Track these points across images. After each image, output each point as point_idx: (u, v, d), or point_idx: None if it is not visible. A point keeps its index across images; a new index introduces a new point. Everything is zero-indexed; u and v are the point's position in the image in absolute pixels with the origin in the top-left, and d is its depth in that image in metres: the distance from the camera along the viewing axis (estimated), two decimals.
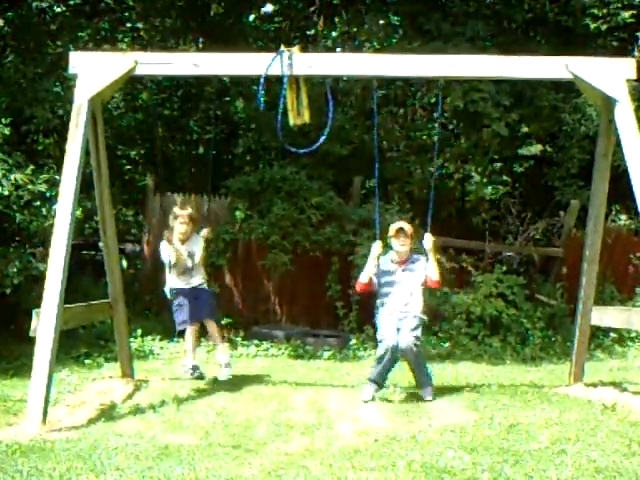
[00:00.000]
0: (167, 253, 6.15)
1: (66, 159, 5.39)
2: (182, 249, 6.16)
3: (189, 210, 6.22)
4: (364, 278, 6.05)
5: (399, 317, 5.85)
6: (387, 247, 6.03)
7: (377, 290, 6.00)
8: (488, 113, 9.42)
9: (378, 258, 5.92)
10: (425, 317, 5.99)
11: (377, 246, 5.87)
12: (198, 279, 6.26)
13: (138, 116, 12.14)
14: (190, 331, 6.21)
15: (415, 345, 5.71)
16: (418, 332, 5.81)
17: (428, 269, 5.89)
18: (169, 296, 6.27)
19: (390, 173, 10.51)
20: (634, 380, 6.80)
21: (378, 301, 6.01)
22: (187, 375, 6.23)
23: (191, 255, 6.17)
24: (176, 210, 6.25)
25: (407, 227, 5.97)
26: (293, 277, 9.67)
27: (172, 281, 6.24)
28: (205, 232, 6.24)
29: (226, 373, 6.24)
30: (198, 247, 6.19)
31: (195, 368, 6.25)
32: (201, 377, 6.30)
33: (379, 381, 5.85)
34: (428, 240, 5.88)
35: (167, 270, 6.23)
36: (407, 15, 10.69)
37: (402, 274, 5.95)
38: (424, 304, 6.01)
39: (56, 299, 5.01)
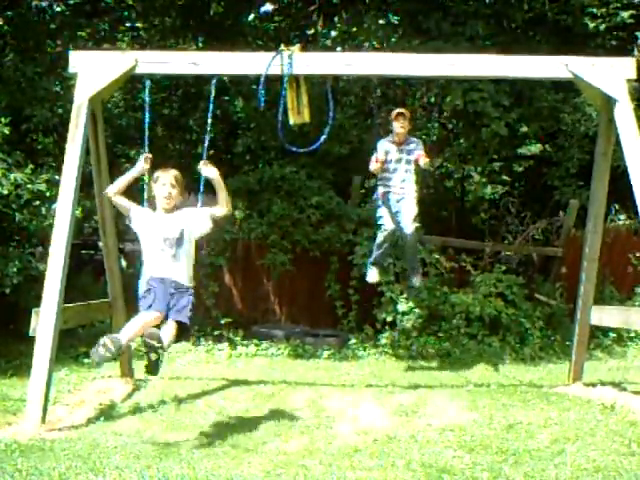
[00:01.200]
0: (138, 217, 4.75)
1: (66, 158, 5.39)
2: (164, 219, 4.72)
3: (174, 171, 4.81)
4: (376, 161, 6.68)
5: (397, 198, 6.75)
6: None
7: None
8: (488, 113, 9.42)
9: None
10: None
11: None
12: (183, 274, 4.64)
13: (138, 115, 12.13)
14: (148, 316, 4.42)
15: (416, 231, 6.77)
16: (416, 220, 6.71)
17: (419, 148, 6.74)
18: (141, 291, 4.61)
19: None
20: (633, 380, 6.81)
21: (379, 182, 6.90)
22: (99, 350, 4.16)
23: (178, 233, 4.67)
24: (157, 172, 4.79)
25: (406, 112, 6.82)
26: (292, 276, 9.67)
27: (147, 271, 4.66)
28: (204, 166, 4.96)
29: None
30: (192, 222, 4.76)
31: (117, 344, 4.19)
32: (113, 355, 4.24)
33: (381, 262, 7.21)
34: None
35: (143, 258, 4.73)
36: (407, 14, 10.67)
37: (400, 154, 6.78)
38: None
39: (55, 298, 5.01)
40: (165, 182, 4.74)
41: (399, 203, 6.76)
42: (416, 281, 7.04)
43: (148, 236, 4.73)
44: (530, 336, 8.94)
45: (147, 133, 5.46)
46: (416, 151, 6.74)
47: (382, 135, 7.23)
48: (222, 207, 4.88)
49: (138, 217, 4.80)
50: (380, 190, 6.90)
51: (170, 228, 4.71)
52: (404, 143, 6.80)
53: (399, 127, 6.73)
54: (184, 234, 4.75)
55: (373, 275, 7.12)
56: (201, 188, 5.15)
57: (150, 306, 4.49)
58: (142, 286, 4.63)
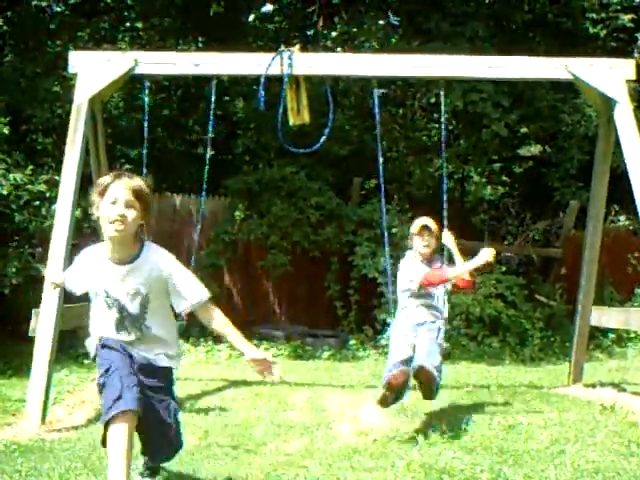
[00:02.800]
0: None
1: (65, 159, 5.39)
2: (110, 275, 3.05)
3: (136, 181, 3.03)
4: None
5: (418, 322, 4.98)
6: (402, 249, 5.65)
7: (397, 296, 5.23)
8: (487, 113, 9.43)
9: None
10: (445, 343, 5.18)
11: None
12: (156, 349, 3.12)
13: (138, 116, 12.14)
14: (123, 429, 2.82)
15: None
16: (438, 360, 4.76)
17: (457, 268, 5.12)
18: (96, 351, 3.12)
19: (389, 174, 10.49)
20: (633, 380, 6.81)
21: (399, 309, 5.16)
22: None
23: (138, 296, 3.06)
24: (103, 178, 3.07)
25: (432, 224, 5.13)
26: (292, 277, 9.67)
27: (97, 330, 3.17)
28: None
29: None
30: (164, 276, 3.06)
31: None
32: None
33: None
34: (448, 237, 5.23)
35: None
36: (406, 15, 10.69)
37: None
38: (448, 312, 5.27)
39: (55, 299, 5.01)
40: (118, 196, 2.96)
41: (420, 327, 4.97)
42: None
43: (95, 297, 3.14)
44: (530, 337, 8.95)
45: (147, 134, 5.45)
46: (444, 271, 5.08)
47: (381, 136, 5.98)
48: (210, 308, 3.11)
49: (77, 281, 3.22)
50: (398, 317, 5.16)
51: (125, 287, 3.05)
52: (430, 263, 5.12)
53: (423, 246, 5.05)
54: (149, 297, 3.07)
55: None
56: (203, 192, 5.04)
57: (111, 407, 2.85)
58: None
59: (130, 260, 3.04)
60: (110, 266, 3.05)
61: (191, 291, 3.06)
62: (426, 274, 4.97)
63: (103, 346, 3.06)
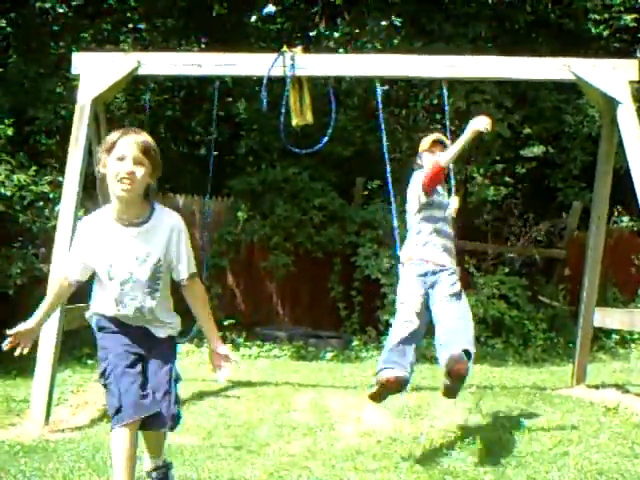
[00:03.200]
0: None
1: (69, 160, 5.40)
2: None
3: (144, 137, 2.92)
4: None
5: (432, 269, 4.39)
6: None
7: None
8: (490, 114, 9.42)
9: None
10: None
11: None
12: (162, 327, 3.04)
13: (141, 117, 12.16)
14: (126, 435, 2.83)
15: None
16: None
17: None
18: (95, 327, 3.10)
19: (392, 174, 10.50)
20: (637, 382, 6.79)
21: (409, 240, 4.59)
22: None
23: (148, 262, 2.92)
24: (111, 135, 2.93)
25: (444, 139, 4.70)
26: (295, 278, 9.67)
27: (98, 305, 3.07)
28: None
29: None
30: (172, 244, 2.94)
31: None
32: None
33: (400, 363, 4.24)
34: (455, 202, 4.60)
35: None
36: (409, 16, 10.68)
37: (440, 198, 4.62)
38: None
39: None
40: (126, 152, 2.84)
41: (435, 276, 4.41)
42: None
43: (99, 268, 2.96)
44: (533, 338, 8.94)
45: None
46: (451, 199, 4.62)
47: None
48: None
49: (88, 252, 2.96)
50: (407, 254, 4.56)
51: (134, 252, 2.91)
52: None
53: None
54: (161, 264, 2.94)
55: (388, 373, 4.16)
56: (208, 196, 5.02)
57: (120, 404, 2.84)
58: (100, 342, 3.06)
59: (141, 222, 2.90)
60: (118, 228, 2.90)
61: (190, 260, 2.99)
62: (425, 174, 4.44)
63: (100, 328, 3.02)
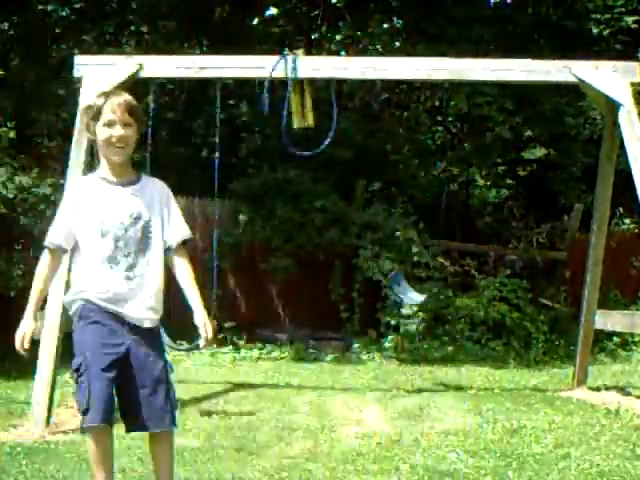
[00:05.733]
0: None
1: (70, 162, 5.41)
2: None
3: (126, 97, 2.97)
4: None
5: None
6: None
7: None
8: (492, 116, 9.44)
9: None
10: None
11: None
12: (145, 307, 2.91)
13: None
14: (98, 439, 2.80)
15: None
16: None
17: None
18: (75, 315, 2.92)
19: (393, 177, 10.53)
20: (638, 384, 6.79)
21: None
22: None
23: (140, 221, 2.92)
24: (96, 98, 2.96)
25: None
26: (296, 280, 9.67)
27: (82, 282, 2.91)
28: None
29: None
30: (162, 205, 2.99)
31: None
32: None
33: None
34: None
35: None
36: (411, 19, 10.71)
37: None
38: None
39: (59, 301, 5.01)
40: (113, 117, 2.87)
41: None
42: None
43: (86, 230, 2.90)
44: (534, 340, 8.93)
45: (147, 137, 5.46)
46: None
47: (385, 139, 5.81)
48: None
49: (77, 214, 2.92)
50: None
51: (128, 209, 2.91)
52: None
53: None
54: (151, 224, 2.94)
55: None
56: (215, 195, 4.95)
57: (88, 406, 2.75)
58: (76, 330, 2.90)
59: (133, 182, 2.96)
60: (110, 188, 2.93)
61: (182, 224, 3.01)
62: None
63: (81, 317, 2.87)
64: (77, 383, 2.83)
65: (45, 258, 2.98)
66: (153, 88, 5.84)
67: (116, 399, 2.83)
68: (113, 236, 2.88)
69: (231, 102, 11.89)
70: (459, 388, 6.53)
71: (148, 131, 5.55)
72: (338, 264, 9.58)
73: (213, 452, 4.16)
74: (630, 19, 10.13)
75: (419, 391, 6.25)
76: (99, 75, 5.58)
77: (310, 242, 9.52)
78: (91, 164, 5.58)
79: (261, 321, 9.63)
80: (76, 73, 5.66)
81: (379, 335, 8.94)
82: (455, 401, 5.82)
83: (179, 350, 5.79)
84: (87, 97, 5.55)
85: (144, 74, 5.69)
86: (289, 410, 5.42)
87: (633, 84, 5.63)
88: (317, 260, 9.60)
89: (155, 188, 3.01)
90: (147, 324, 2.90)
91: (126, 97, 2.95)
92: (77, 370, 2.82)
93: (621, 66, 5.66)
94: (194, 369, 7.66)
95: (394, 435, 4.61)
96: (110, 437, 2.85)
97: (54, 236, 2.94)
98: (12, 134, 7.64)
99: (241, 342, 8.85)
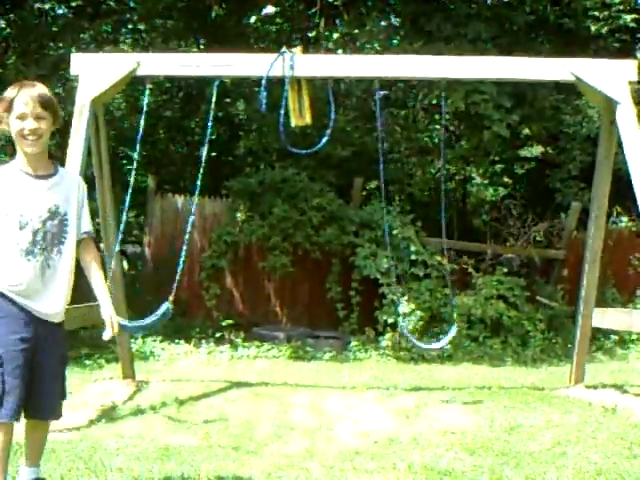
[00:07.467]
0: None
1: (68, 160, 5.40)
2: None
3: (39, 89, 2.96)
4: None
5: None
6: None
7: None
8: (489, 115, 9.42)
9: None
10: None
11: None
12: (56, 303, 3.00)
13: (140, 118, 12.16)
14: (5, 432, 2.99)
15: None
16: None
17: None
18: None
19: (391, 175, 10.51)
20: (635, 382, 6.79)
21: None
22: None
23: (57, 215, 2.98)
24: (9, 90, 2.94)
25: None
26: (294, 278, 9.67)
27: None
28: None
29: None
30: (78, 199, 3.08)
31: None
32: None
33: None
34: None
35: None
36: (408, 16, 10.69)
37: None
38: None
39: None
40: (25, 110, 2.88)
41: None
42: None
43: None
44: (531, 338, 8.94)
45: (141, 135, 5.45)
46: None
47: (383, 137, 5.76)
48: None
49: None
50: None
51: (46, 203, 2.94)
52: None
53: None
54: (67, 218, 2.99)
55: None
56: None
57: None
58: None
59: (50, 175, 3.01)
60: (28, 180, 2.96)
61: (89, 220, 3.13)
62: None
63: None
64: None
65: None
66: (149, 86, 5.81)
67: None
68: (32, 229, 2.91)
69: (228, 100, 11.88)
70: (456, 386, 6.53)
71: (140, 129, 5.54)
72: (336, 262, 9.58)
73: (210, 451, 4.16)
74: (628, 17, 10.12)
75: (416, 389, 6.25)
76: (96, 73, 5.57)
77: (307, 240, 9.53)
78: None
79: (258, 319, 9.64)
80: (73, 71, 5.66)
81: (377, 333, 8.94)
82: (453, 399, 5.82)
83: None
84: (84, 95, 5.55)
85: (141, 72, 5.69)
86: (286, 408, 5.41)
87: (631, 82, 5.64)
88: (314, 258, 9.60)
89: (74, 180, 3.13)
90: (57, 319, 3.01)
91: (40, 90, 2.95)
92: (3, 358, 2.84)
93: (619, 64, 5.66)
94: (191, 368, 7.67)
95: (392, 433, 4.61)
96: (12, 430, 2.98)
97: None
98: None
99: (238, 340, 8.85)
